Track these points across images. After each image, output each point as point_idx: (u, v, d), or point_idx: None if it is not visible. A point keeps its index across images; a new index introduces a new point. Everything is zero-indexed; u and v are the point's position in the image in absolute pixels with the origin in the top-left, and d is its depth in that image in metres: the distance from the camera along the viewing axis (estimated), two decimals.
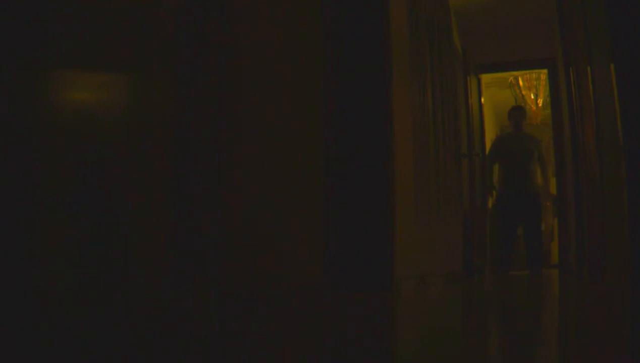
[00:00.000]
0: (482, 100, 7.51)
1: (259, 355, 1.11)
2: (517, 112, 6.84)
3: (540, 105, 9.40)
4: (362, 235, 3.03)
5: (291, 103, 2.21)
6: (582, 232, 5.05)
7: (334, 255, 2.73)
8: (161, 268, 1.34)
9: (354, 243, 3.02)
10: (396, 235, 3.20)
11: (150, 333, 1.27)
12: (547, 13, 6.25)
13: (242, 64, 1.83)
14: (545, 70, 7.86)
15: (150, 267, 1.30)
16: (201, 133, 1.56)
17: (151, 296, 1.30)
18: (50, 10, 1.04)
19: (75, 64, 1.10)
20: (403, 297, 2.84)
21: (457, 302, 2.69)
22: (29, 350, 0.96)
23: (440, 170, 4.87)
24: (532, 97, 9.38)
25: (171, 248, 1.38)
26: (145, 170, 1.30)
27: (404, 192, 3.54)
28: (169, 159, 1.39)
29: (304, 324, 1.64)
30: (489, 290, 3.62)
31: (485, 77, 7.75)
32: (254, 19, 1.94)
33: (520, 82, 9.35)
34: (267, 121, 1.99)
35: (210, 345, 1.25)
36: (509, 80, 9.29)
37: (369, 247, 3.02)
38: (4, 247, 0.93)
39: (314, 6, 2.55)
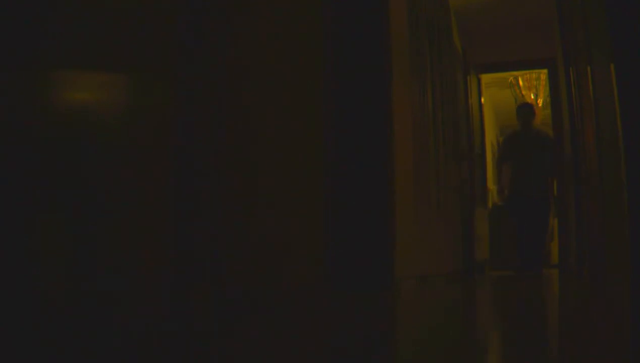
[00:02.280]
0: (482, 100, 7.51)
1: (259, 355, 1.11)
2: (526, 109, 6.63)
3: (540, 105, 9.40)
4: (362, 235, 3.03)
5: (291, 103, 2.21)
6: (582, 232, 5.05)
7: (334, 255, 2.73)
8: (161, 268, 1.34)
9: (354, 243, 3.02)
10: (396, 235, 3.20)
11: (150, 333, 1.27)
12: (547, 13, 6.26)
13: (242, 64, 1.83)
14: (545, 70, 7.87)
15: (150, 267, 1.30)
16: (201, 133, 1.56)
17: (151, 297, 1.30)
18: (50, 10, 1.04)
19: (75, 64, 1.10)
20: (403, 297, 2.84)
21: (457, 302, 2.69)
22: (29, 351, 0.96)
23: (440, 170, 4.87)
24: (532, 97, 9.38)
25: (171, 249, 1.38)
26: (146, 171, 1.30)
27: (404, 192, 3.54)
28: (169, 159, 1.39)
29: (304, 324, 1.64)
30: (490, 290, 3.62)
31: (485, 77, 7.76)
32: (254, 19, 1.93)
33: (520, 82, 9.36)
34: (267, 121, 1.98)
35: (210, 345, 1.25)
36: (509, 80, 9.30)
37: (369, 247, 3.02)
38: (3, 248, 0.93)
39: (314, 6, 2.55)
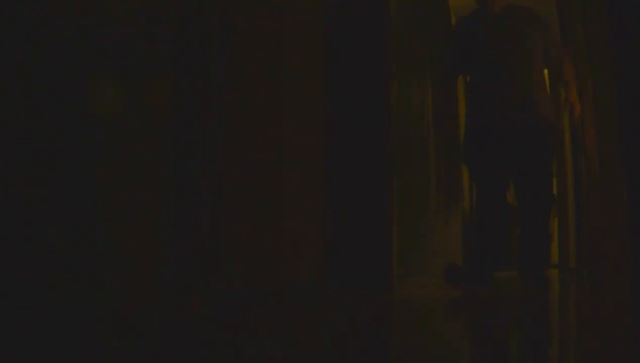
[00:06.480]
0: None
1: (259, 355, 1.11)
2: None
3: None
4: (362, 235, 3.03)
5: (291, 103, 2.21)
6: (582, 232, 5.05)
7: (334, 256, 2.73)
8: (161, 268, 1.34)
9: (354, 243, 3.02)
10: (396, 235, 3.20)
11: (151, 332, 1.27)
12: (547, 13, 6.25)
13: (242, 64, 1.83)
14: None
15: (150, 266, 1.30)
16: (201, 133, 1.56)
17: (151, 296, 1.30)
18: (51, 11, 1.04)
19: (76, 63, 1.10)
20: (403, 297, 2.84)
21: (457, 302, 2.69)
22: (29, 351, 0.96)
23: (440, 171, 4.87)
24: None
25: (172, 248, 1.38)
26: (146, 170, 1.30)
27: (404, 192, 3.54)
28: (169, 159, 1.39)
29: (304, 324, 1.64)
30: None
31: None
32: (254, 20, 1.94)
33: None
34: (266, 121, 1.99)
35: (210, 344, 1.25)
36: None
37: (369, 247, 3.02)
38: (2, 248, 0.93)
39: (314, 6, 2.55)
